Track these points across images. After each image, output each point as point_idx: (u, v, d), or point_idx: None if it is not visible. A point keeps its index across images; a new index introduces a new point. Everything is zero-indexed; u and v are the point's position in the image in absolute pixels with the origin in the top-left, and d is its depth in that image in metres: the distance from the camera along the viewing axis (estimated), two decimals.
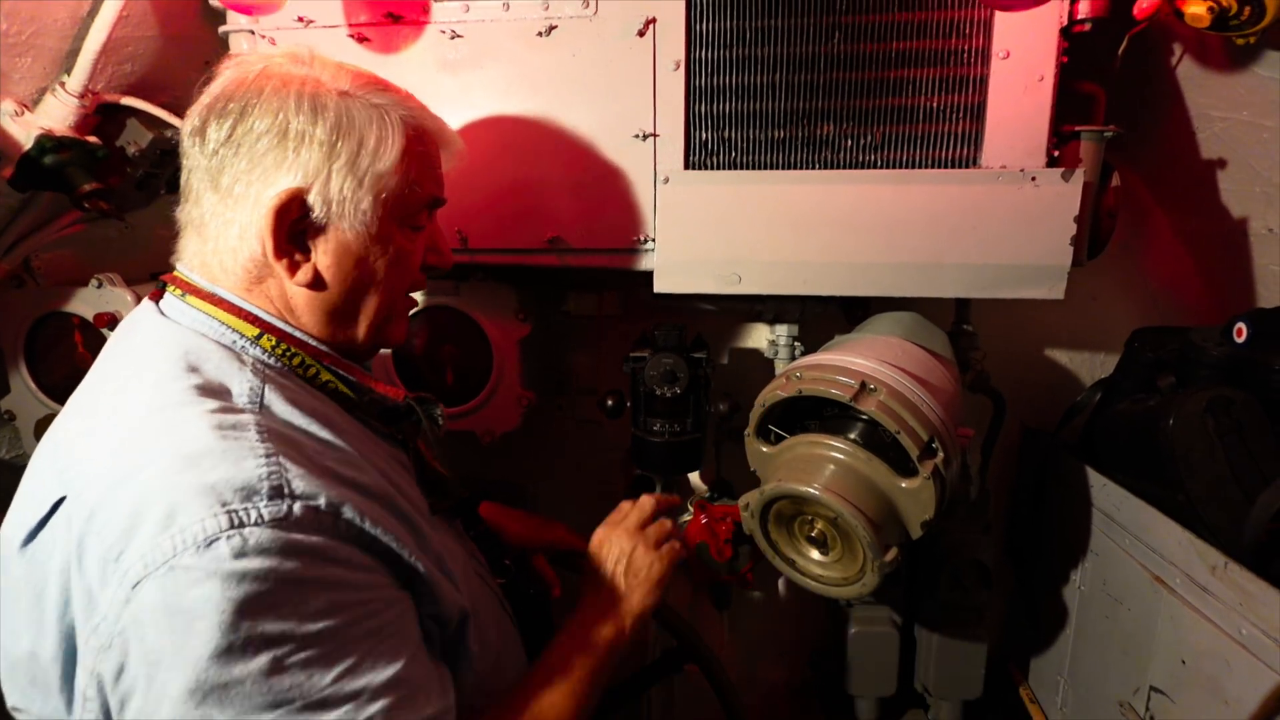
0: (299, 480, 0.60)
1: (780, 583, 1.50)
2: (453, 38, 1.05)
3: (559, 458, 1.47)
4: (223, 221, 0.71)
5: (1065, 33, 0.95)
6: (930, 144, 1.00)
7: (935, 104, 1.00)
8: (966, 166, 1.00)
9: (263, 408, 0.65)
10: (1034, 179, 0.96)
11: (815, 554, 1.02)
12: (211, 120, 0.70)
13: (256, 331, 0.71)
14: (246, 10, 1.03)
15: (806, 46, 0.99)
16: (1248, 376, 1.01)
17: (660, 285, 1.06)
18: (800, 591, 1.51)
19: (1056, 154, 0.99)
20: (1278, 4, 0.85)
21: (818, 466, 0.96)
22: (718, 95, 1.03)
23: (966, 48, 0.97)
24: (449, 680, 0.69)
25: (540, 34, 1.03)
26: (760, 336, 1.40)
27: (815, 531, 0.99)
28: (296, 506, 0.58)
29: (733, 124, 1.03)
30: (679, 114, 1.03)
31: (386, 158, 0.72)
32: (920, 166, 1.01)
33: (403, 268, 0.78)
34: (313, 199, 0.70)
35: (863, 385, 0.94)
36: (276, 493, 0.58)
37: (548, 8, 1.02)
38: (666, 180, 1.03)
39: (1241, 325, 1.03)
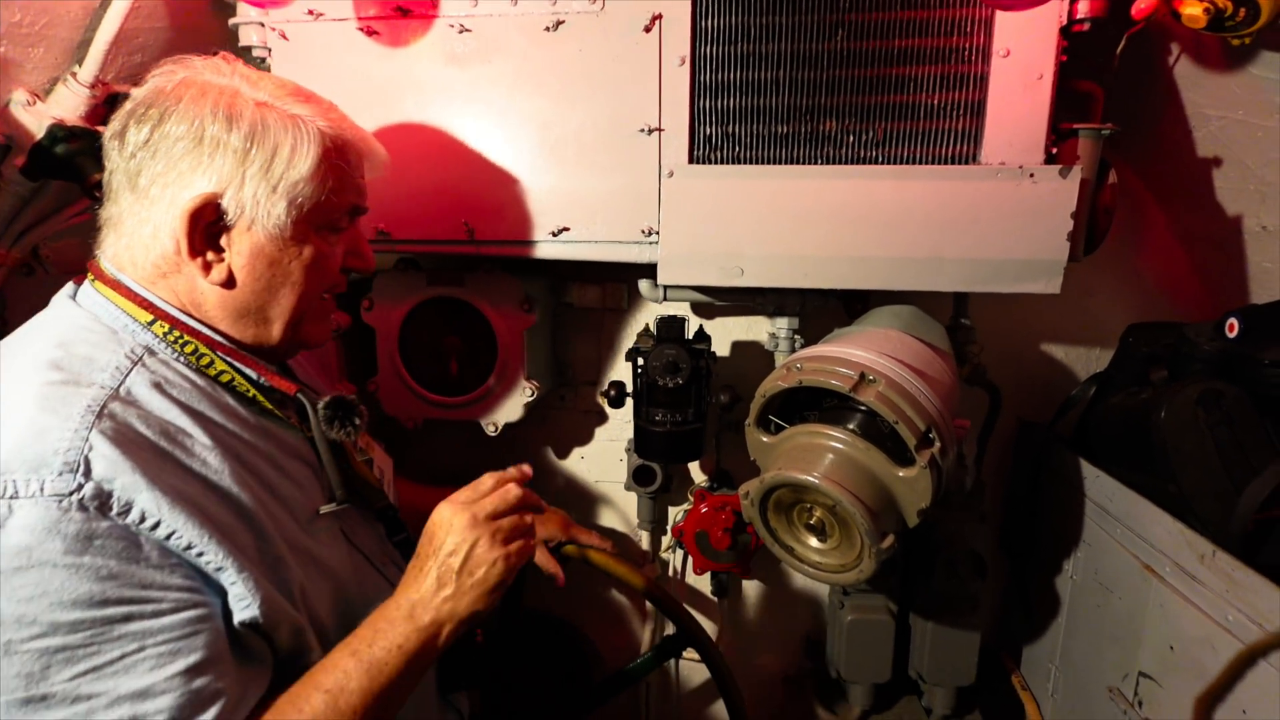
0: (103, 462, 0.62)
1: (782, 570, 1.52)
2: (461, 32, 1.06)
3: (561, 448, 1.49)
4: (138, 220, 0.73)
5: (1065, 32, 0.96)
6: (931, 140, 1.02)
7: (936, 101, 1.01)
8: (966, 163, 1.02)
9: (120, 388, 0.68)
10: (1032, 175, 0.98)
11: (814, 541, 1.04)
12: (131, 125, 0.73)
13: (150, 318, 0.74)
14: (258, 3, 1.05)
15: (810, 43, 1.01)
16: (1239, 371, 1.03)
17: (664, 277, 1.08)
18: (797, 580, 1.55)
19: (1055, 151, 1.01)
20: (1271, 5, 0.87)
21: (817, 456, 0.99)
22: (722, 91, 1.04)
23: (967, 46, 0.99)
24: (251, 699, 0.69)
25: (548, 29, 1.05)
26: (761, 329, 1.42)
27: (814, 519, 1.02)
28: (88, 488, 0.60)
29: (737, 119, 1.05)
30: (684, 109, 1.05)
31: (301, 165, 0.74)
32: (921, 163, 1.03)
33: (319, 271, 0.80)
34: (226, 203, 0.72)
35: (862, 376, 0.96)
36: (69, 469, 0.60)
37: (555, 3, 1.04)
38: (671, 174, 1.05)
39: (1233, 320, 1.05)
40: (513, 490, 0.84)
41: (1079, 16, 0.95)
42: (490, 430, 1.24)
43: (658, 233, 1.07)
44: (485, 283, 1.19)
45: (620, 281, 1.41)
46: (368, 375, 1.26)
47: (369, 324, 1.22)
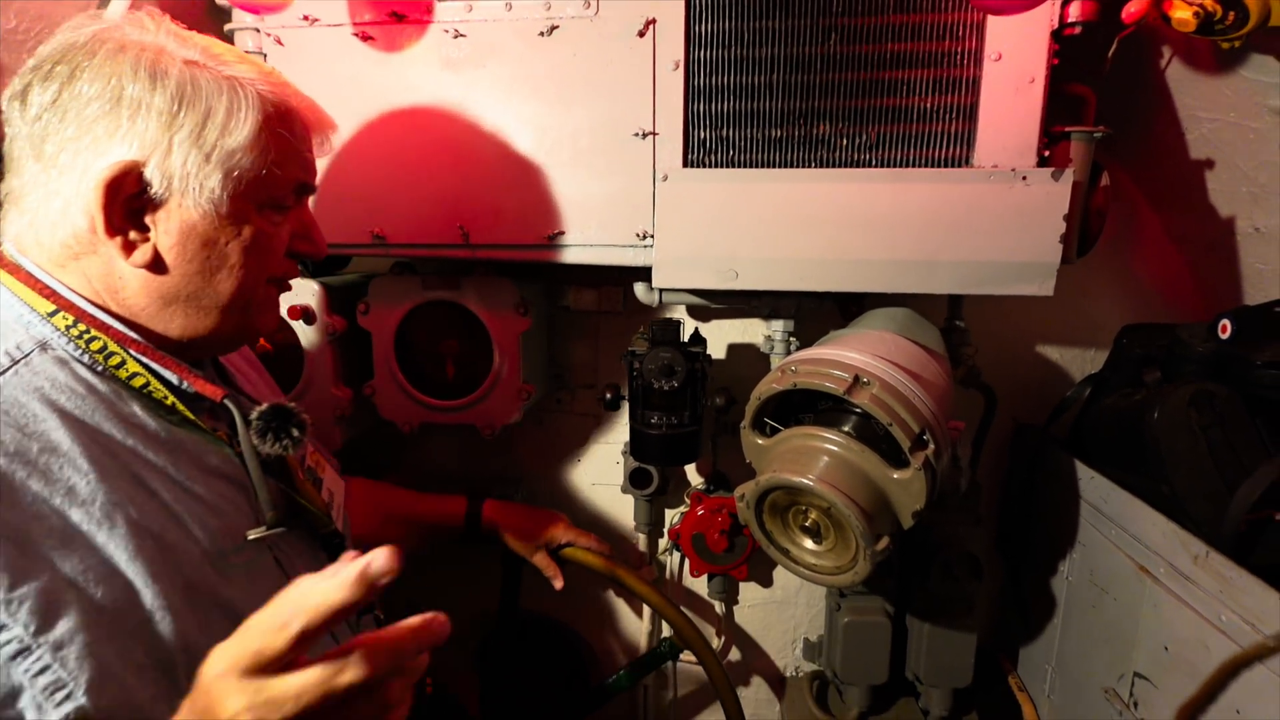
0: None
1: (775, 573, 1.52)
2: (455, 37, 1.07)
3: (558, 451, 1.50)
4: (45, 193, 0.65)
5: (1056, 35, 0.97)
6: (924, 143, 1.03)
7: (929, 104, 1.02)
8: (959, 166, 1.02)
9: None
10: (1025, 178, 0.99)
11: (809, 543, 1.04)
12: (35, 83, 0.64)
13: (51, 308, 0.64)
14: (253, 9, 1.05)
15: (803, 47, 1.01)
16: (1231, 372, 1.04)
17: (659, 280, 1.08)
18: (794, 582, 1.55)
19: (1047, 154, 1.01)
20: (1259, 9, 0.88)
21: (812, 458, 0.99)
22: (716, 95, 1.05)
23: (959, 50, 0.99)
24: None
25: (542, 34, 1.05)
26: (757, 332, 1.42)
27: (809, 521, 1.02)
28: None
29: (731, 123, 1.05)
30: (678, 113, 1.05)
31: (239, 133, 0.66)
32: (914, 165, 1.03)
33: (262, 254, 0.71)
34: (150, 173, 0.64)
35: (856, 379, 0.96)
36: None
37: (549, 8, 1.04)
38: (665, 178, 1.05)
39: (1226, 322, 1.06)
40: (382, 653, 0.51)
41: (1070, 20, 0.96)
42: (487, 434, 1.24)
43: (653, 236, 1.07)
44: (481, 286, 1.19)
45: (616, 285, 1.42)
46: (363, 379, 1.26)
47: (364, 328, 1.22)
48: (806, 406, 1.10)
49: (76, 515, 0.58)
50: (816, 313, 1.34)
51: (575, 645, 1.56)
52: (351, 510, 1.10)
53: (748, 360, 1.41)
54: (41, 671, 0.53)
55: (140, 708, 0.57)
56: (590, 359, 1.46)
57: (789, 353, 1.33)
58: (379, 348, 1.23)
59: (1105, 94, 1.09)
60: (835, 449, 0.98)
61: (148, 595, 0.60)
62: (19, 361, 0.62)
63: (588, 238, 1.09)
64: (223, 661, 0.50)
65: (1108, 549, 1.13)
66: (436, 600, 1.52)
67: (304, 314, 1.17)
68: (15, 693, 0.53)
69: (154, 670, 0.59)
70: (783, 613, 1.51)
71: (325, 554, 0.81)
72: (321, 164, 1.11)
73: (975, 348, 1.26)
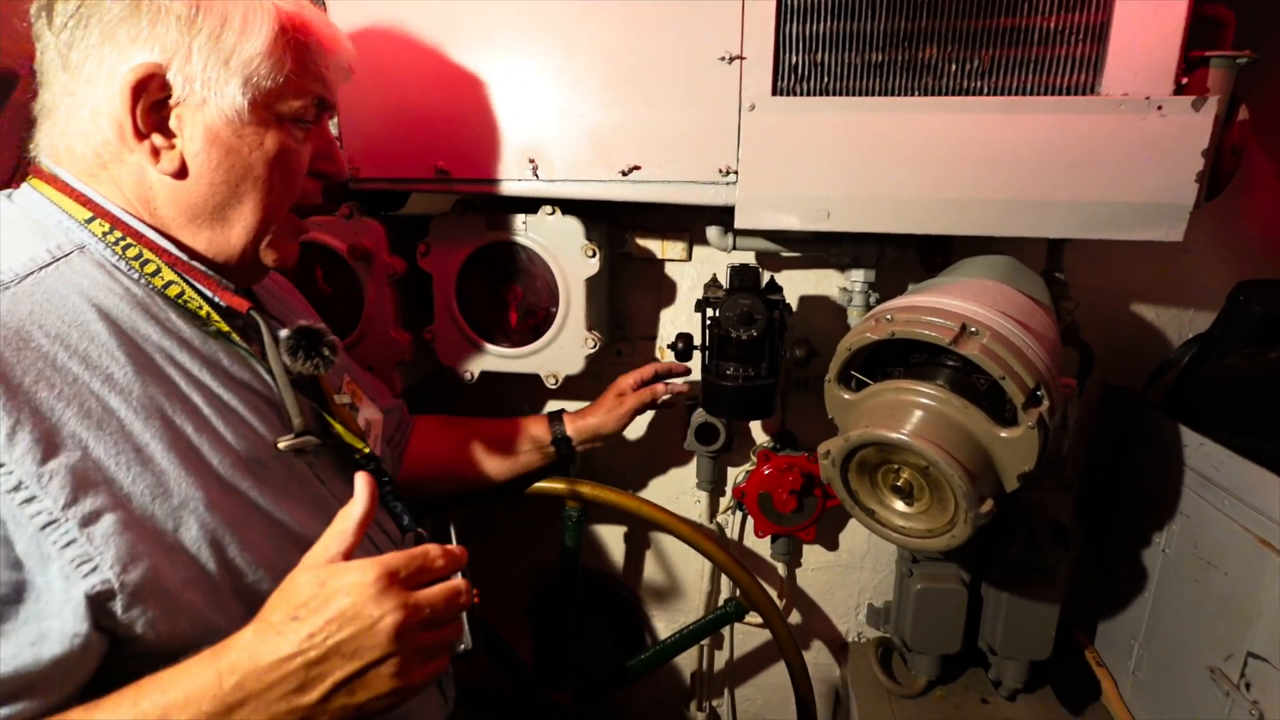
0: None
1: (841, 537, 1.46)
2: None
3: None
4: (74, 103, 0.66)
5: None
6: (1044, 69, 0.92)
7: (1052, 25, 0.91)
8: (1084, 94, 0.92)
9: (23, 281, 0.60)
10: (1160, 108, 0.88)
11: (899, 504, 0.98)
12: None
13: (88, 215, 0.67)
14: None
15: None
16: None
17: (742, 220, 1.00)
18: (859, 544, 1.49)
19: (1184, 82, 0.90)
20: None
21: (907, 413, 0.92)
22: (811, 14, 0.95)
23: None
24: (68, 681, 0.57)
25: None
26: (831, 283, 1.34)
27: (901, 481, 0.95)
28: None
29: (826, 46, 0.96)
30: (768, 35, 0.96)
31: (255, 39, 0.67)
32: (1032, 94, 0.93)
33: (286, 169, 0.72)
34: (173, 76, 0.65)
35: (963, 328, 0.88)
36: None
37: None
38: (753, 107, 0.97)
39: None
40: (463, 593, 0.65)
41: None
42: (550, 383, 1.19)
43: (736, 172, 0.99)
44: (547, 227, 1.13)
45: (681, 231, 1.34)
46: (423, 324, 1.21)
47: (425, 269, 1.17)
48: (894, 360, 1.02)
49: (114, 401, 0.61)
50: (898, 264, 1.25)
51: (630, 603, 1.53)
52: (432, 444, 1.14)
53: (821, 313, 1.33)
54: (69, 544, 0.56)
55: (168, 590, 0.60)
56: (651, 310, 1.40)
57: (868, 306, 1.25)
58: (440, 291, 1.18)
59: (1242, 18, 0.97)
60: (935, 404, 0.91)
61: (180, 485, 0.63)
62: (60, 259, 0.64)
63: (666, 173, 1.01)
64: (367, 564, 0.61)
65: (1218, 521, 1.05)
66: (493, 552, 1.49)
67: (362, 253, 1.12)
68: (45, 561, 0.56)
69: (184, 556, 0.62)
70: (847, 577, 1.46)
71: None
72: (378, 91, 1.05)
73: (1075, 302, 1.16)
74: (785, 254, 1.32)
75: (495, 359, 1.20)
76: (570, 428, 1.20)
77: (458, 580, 0.66)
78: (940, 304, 0.93)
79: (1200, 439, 1.10)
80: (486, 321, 1.19)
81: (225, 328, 0.71)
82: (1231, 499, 1.02)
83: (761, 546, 1.46)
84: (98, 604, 0.57)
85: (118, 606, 0.58)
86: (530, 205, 1.13)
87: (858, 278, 1.23)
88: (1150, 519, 1.21)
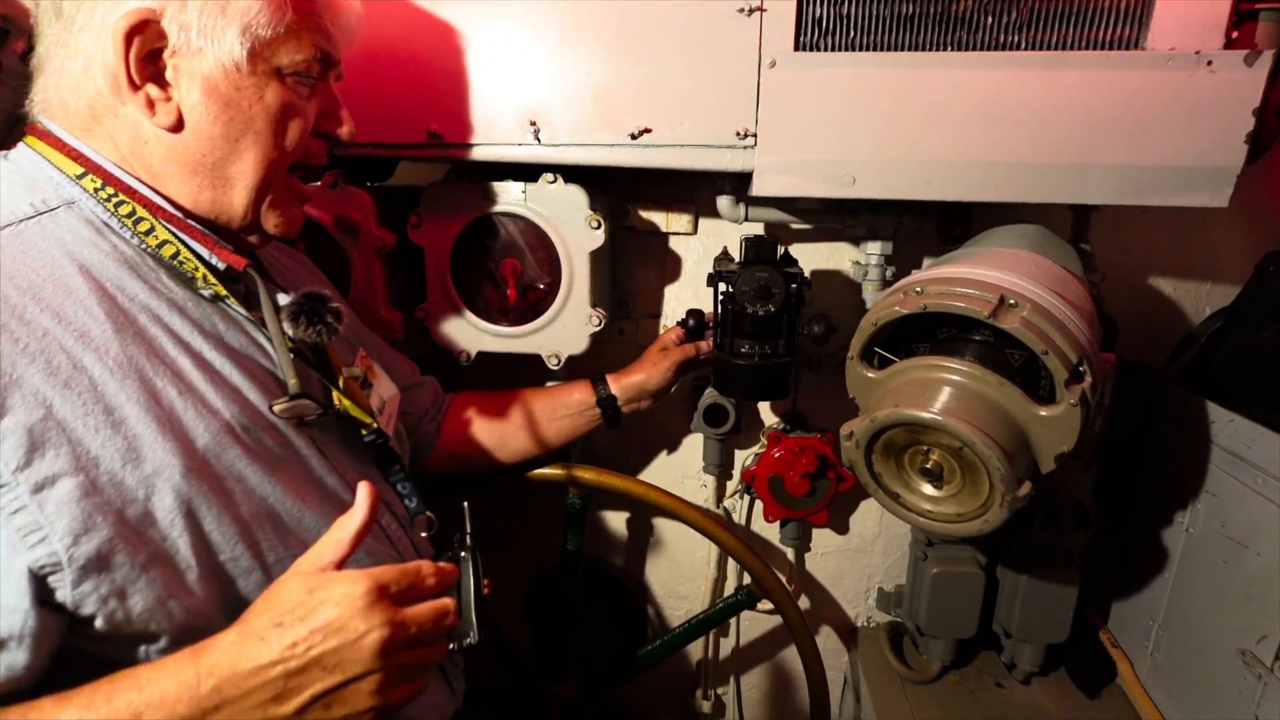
0: None
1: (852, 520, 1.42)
2: None
3: None
4: (66, 54, 0.64)
5: None
6: (1086, 22, 0.86)
7: None
8: (1128, 48, 0.86)
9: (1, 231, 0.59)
10: (1210, 63, 0.83)
11: (928, 488, 0.93)
12: None
13: (79, 170, 0.64)
14: None
15: None
16: None
17: (761, 186, 0.93)
18: (871, 529, 1.44)
19: (1234, 35, 0.85)
20: None
21: (938, 391, 0.86)
22: None
23: None
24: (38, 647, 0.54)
25: None
26: (843, 256, 1.28)
27: (930, 463, 0.90)
28: None
29: None
30: None
31: None
32: (1072, 48, 0.87)
33: (288, 125, 0.70)
34: (168, 24, 0.63)
35: (1001, 300, 0.83)
36: None
37: None
38: (773, 64, 0.90)
39: None
40: (450, 614, 0.63)
41: None
42: (553, 364, 1.12)
43: (755, 134, 0.92)
44: (549, 197, 1.05)
45: (688, 202, 1.27)
46: (415, 301, 1.13)
47: (416, 243, 1.09)
48: (917, 336, 0.97)
49: (87, 359, 0.58)
50: (914, 236, 1.20)
51: (633, 591, 1.48)
52: (471, 419, 1.09)
53: (833, 288, 1.28)
54: (17, 511, 0.52)
55: (127, 566, 0.56)
56: (655, 286, 1.33)
57: (884, 280, 1.19)
58: (433, 265, 1.10)
59: None
60: (969, 381, 0.86)
61: (155, 450, 0.59)
62: (43, 213, 0.62)
63: (679, 136, 0.94)
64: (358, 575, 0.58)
65: (1250, 499, 1.01)
66: (489, 539, 1.42)
67: (348, 225, 1.04)
68: None
69: (153, 528, 0.58)
70: (857, 560, 1.42)
71: (371, 455, 0.82)
72: (363, 46, 0.96)
73: (1102, 274, 1.11)
74: (796, 225, 1.26)
75: (493, 338, 1.13)
76: (615, 387, 1.13)
77: (446, 600, 0.63)
78: (974, 274, 0.87)
79: (1229, 415, 1.06)
80: (483, 299, 1.12)
81: (222, 291, 0.69)
82: (1265, 477, 0.98)
83: (769, 531, 1.41)
84: (41, 579, 0.53)
85: (65, 582, 0.54)
86: (529, 174, 1.05)
87: (874, 250, 1.17)
88: (1173, 498, 1.18)
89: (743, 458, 1.37)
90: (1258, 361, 1.08)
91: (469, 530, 0.85)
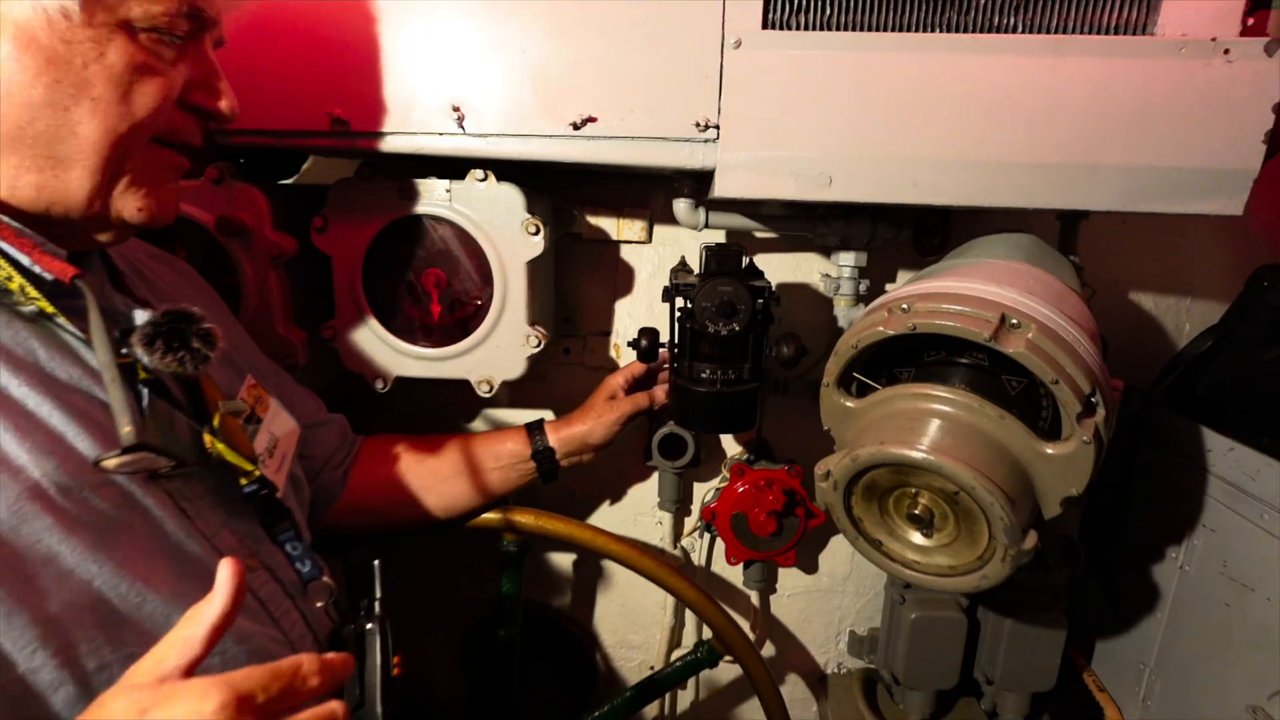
0: None
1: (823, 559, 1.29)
2: None
3: (566, 412, 1.23)
4: None
5: None
6: (1089, 3, 0.76)
7: None
8: (1135, 34, 0.76)
9: None
10: (1226, 51, 0.73)
11: (916, 536, 0.81)
12: None
13: None
14: None
15: None
16: None
17: (724, 187, 0.80)
18: (842, 568, 1.32)
19: (1250, 22, 0.76)
20: None
21: (929, 425, 0.74)
22: None
23: None
24: None
25: None
26: (812, 268, 1.16)
27: (919, 509, 0.78)
28: None
29: None
30: None
31: None
32: (1074, 33, 0.76)
33: (140, 92, 0.56)
34: None
35: (1003, 319, 0.71)
36: None
37: None
38: (738, 43, 0.77)
39: None
40: (310, 678, 0.47)
41: None
42: (483, 390, 0.97)
43: (717, 126, 0.79)
44: (477, 197, 0.90)
45: (641, 206, 1.14)
46: (321, 318, 0.97)
47: (322, 250, 0.93)
48: (900, 359, 0.85)
49: None
50: (891, 245, 1.09)
51: (581, 641, 1.33)
52: (383, 467, 0.95)
53: (801, 303, 1.16)
54: None
55: None
56: (604, 300, 1.19)
57: (858, 294, 1.07)
58: (341, 276, 0.94)
59: None
60: (963, 413, 0.74)
61: None
62: None
63: (628, 126, 0.81)
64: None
65: (1255, 537, 0.92)
66: (418, 585, 1.23)
67: (236, 228, 0.87)
68: None
69: None
70: (827, 602, 1.29)
71: (254, 510, 0.66)
72: (252, 12, 0.80)
73: (1092, 289, 1.02)
74: (761, 234, 1.14)
75: (414, 361, 0.96)
76: (553, 438, 0.99)
77: (332, 707, 0.48)
78: (968, 289, 0.75)
79: (1229, 443, 0.97)
80: (403, 315, 0.96)
81: (48, 308, 0.54)
82: (1273, 513, 0.89)
83: (732, 572, 1.27)
84: None
85: None
86: (457, 169, 0.90)
87: (847, 261, 1.06)
88: (1164, 531, 1.09)
89: (702, 491, 1.23)
90: (1258, 385, 0.99)
91: (379, 595, 0.70)
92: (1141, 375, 1.20)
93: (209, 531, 0.60)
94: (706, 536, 1.24)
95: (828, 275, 1.12)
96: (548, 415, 1.23)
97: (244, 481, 0.64)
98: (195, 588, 0.54)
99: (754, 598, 1.25)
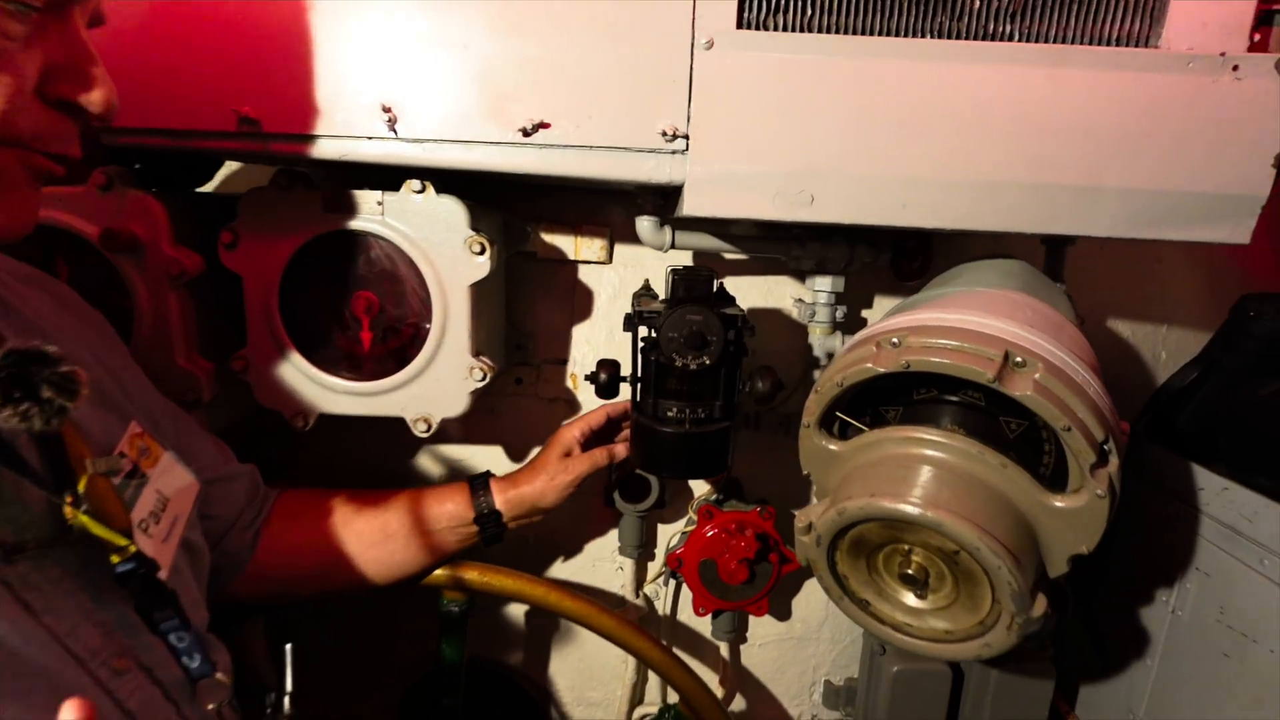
0: None
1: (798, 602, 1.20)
2: None
3: (517, 448, 1.12)
4: None
5: None
6: (1089, 12, 0.70)
7: None
8: (1139, 45, 0.70)
9: None
10: (1235, 68, 0.68)
11: (909, 597, 0.72)
12: None
13: None
14: None
15: None
16: None
17: (694, 204, 0.71)
18: (817, 614, 1.22)
19: (1257, 38, 0.70)
20: None
21: (920, 475, 0.66)
22: None
23: None
24: None
25: None
26: (784, 293, 1.08)
27: (912, 567, 0.69)
28: None
29: None
30: None
31: None
32: (1073, 43, 0.70)
33: None
34: None
35: (1006, 357, 0.63)
36: None
37: None
38: (710, 44, 0.68)
39: None
40: None
41: None
42: (420, 430, 0.85)
43: (686, 136, 0.70)
44: (414, 211, 0.80)
45: (601, 224, 1.04)
46: (231, 347, 0.84)
47: (231, 269, 0.81)
48: (886, 395, 0.77)
49: None
50: (869, 269, 1.02)
51: (534, 699, 1.20)
52: (302, 529, 0.81)
53: (773, 331, 1.07)
54: None
55: None
56: (561, 326, 1.09)
57: (834, 322, 1.00)
58: (254, 300, 0.81)
59: None
60: (961, 461, 0.66)
61: None
62: None
63: (586, 134, 0.71)
64: None
65: (1255, 584, 0.86)
66: (352, 642, 1.08)
67: (126, 241, 0.75)
68: None
69: None
70: (801, 651, 1.20)
71: (127, 591, 0.53)
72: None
73: (1081, 319, 0.95)
74: (730, 255, 1.05)
75: (340, 397, 0.84)
76: (500, 499, 0.87)
77: None
78: (965, 323, 0.68)
79: (1224, 482, 0.92)
80: (329, 345, 0.84)
81: None
82: (1275, 558, 0.84)
83: (700, 621, 1.17)
84: None
85: None
86: (391, 179, 0.79)
87: (823, 287, 0.98)
88: (1152, 572, 1.03)
89: (667, 535, 1.13)
90: (1248, 420, 0.94)
91: (289, 688, 0.58)
92: (1120, 405, 1.15)
93: (62, 629, 0.48)
94: (673, 583, 1.13)
95: (801, 301, 1.04)
96: (497, 452, 1.12)
97: (116, 559, 0.51)
98: (41, 709, 0.41)
99: (723, 649, 1.15)
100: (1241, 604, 0.88)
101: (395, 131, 0.71)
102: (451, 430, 1.10)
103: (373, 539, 0.81)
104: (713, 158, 0.70)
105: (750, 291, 1.08)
